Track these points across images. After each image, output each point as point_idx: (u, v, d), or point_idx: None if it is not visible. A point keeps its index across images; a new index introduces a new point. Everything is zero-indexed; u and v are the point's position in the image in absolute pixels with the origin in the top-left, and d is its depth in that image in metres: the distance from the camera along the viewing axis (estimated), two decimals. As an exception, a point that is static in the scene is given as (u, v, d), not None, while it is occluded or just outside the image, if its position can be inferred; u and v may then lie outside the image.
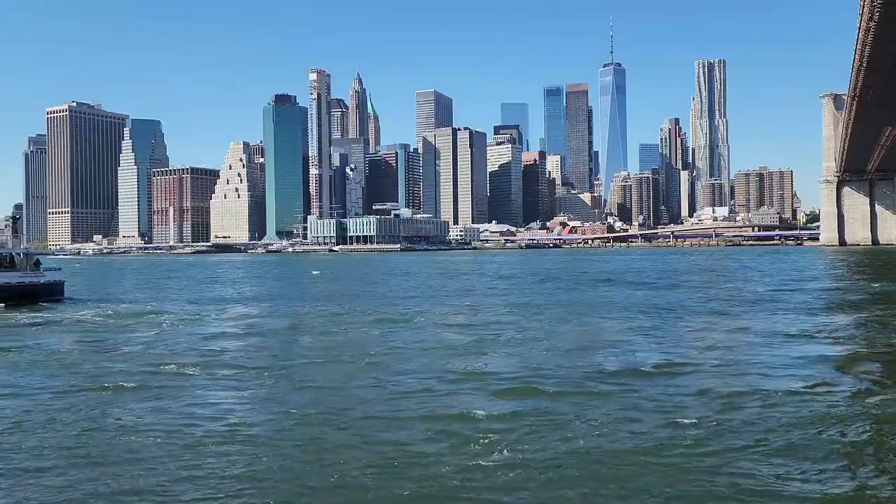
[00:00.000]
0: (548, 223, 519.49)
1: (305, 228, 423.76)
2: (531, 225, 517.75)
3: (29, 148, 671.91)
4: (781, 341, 27.40)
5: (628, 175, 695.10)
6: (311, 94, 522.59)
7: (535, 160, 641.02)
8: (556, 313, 38.75)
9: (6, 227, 50.93)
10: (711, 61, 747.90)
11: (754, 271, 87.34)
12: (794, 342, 27.31)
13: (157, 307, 46.44)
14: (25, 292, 47.19)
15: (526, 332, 30.72)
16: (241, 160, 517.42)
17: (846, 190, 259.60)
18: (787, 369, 21.40)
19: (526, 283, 68.30)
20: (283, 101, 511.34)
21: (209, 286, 74.94)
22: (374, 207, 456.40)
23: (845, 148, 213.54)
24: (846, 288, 57.23)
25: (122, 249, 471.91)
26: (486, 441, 14.19)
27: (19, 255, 51.91)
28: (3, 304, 45.27)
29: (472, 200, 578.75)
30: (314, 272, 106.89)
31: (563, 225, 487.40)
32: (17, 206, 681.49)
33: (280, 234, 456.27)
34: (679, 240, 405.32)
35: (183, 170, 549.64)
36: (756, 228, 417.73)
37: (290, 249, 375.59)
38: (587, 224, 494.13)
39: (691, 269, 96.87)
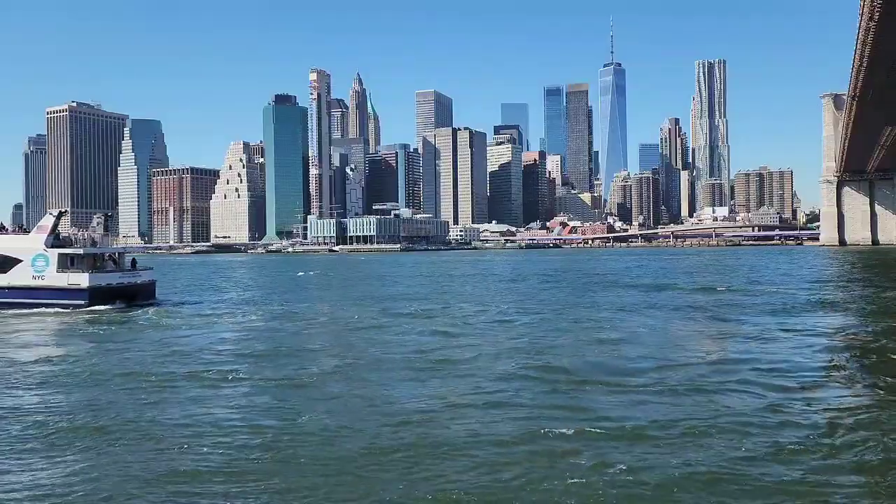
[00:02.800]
0: (548, 223, 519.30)
1: (305, 228, 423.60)
2: (531, 225, 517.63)
3: (29, 148, 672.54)
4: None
5: (628, 175, 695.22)
6: (311, 94, 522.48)
7: (535, 160, 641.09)
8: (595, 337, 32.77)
9: (98, 224, 48.66)
10: (711, 61, 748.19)
11: (775, 271, 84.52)
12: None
13: (245, 310, 45.23)
14: (128, 292, 46.35)
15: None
16: (241, 160, 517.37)
17: (846, 190, 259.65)
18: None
19: (540, 288, 65.68)
20: (283, 101, 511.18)
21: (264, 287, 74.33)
22: (374, 207, 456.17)
23: (845, 148, 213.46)
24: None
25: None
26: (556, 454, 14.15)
27: (120, 254, 51.37)
28: (116, 304, 44.37)
29: (472, 200, 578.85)
30: (299, 273, 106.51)
31: (563, 225, 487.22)
32: (17, 206, 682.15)
33: (280, 234, 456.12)
34: (679, 240, 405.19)
35: (183, 170, 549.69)
36: (756, 228, 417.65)
37: (289, 249, 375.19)
38: (587, 224, 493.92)
39: (708, 269, 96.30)
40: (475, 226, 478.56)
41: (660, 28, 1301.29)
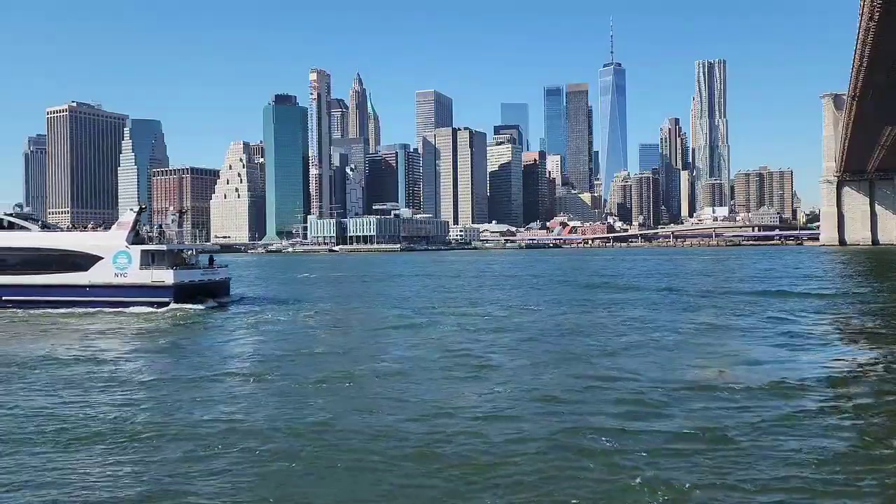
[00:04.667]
0: (548, 223, 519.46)
1: (305, 228, 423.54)
2: (531, 225, 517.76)
3: (29, 148, 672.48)
4: None
5: (628, 175, 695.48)
6: (311, 94, 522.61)
7: (535, 160, 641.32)
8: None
9: (173, 221, 47.35)
10: (711, 61, 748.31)
11: (787, 275, 78.24)
12: None
13: (320, 306, 44.95)
14: (208, 289, 45.84)
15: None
16: (241, 160, 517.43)
17: (846, 190, 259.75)
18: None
19: (553, 290, 61.60)
20: (283, 101, 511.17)
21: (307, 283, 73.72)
22: (374, 207, 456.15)
23: (845, 148, 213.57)
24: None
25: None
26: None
27: (198, 251, 50.98)
28: (197, 301, 43.79)
29: (472, 200, 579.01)
30: (303, 274, 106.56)
31: (563, 225, 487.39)
32: (17, 206, 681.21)
33: (280, 234, 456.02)
34: (679, 240, 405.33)
35: (183, 170, 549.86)
36: (756, 228, 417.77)
37: (290, 249, 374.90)
38: (587, 224, 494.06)
39: (724, 271, 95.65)
40: (475, 226, 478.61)
41: (660, 28, 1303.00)
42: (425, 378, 20.96)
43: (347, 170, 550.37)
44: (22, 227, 46.51)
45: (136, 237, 44.52)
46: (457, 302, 48.66)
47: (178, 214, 50.49)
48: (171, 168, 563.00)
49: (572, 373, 21.50)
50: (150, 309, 41.51)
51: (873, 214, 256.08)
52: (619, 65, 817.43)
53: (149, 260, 43.61)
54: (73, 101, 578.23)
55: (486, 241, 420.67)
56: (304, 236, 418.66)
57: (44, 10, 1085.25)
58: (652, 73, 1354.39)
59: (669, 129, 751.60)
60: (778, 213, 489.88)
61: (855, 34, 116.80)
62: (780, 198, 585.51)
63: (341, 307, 46.08)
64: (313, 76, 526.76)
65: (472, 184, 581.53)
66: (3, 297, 44.10)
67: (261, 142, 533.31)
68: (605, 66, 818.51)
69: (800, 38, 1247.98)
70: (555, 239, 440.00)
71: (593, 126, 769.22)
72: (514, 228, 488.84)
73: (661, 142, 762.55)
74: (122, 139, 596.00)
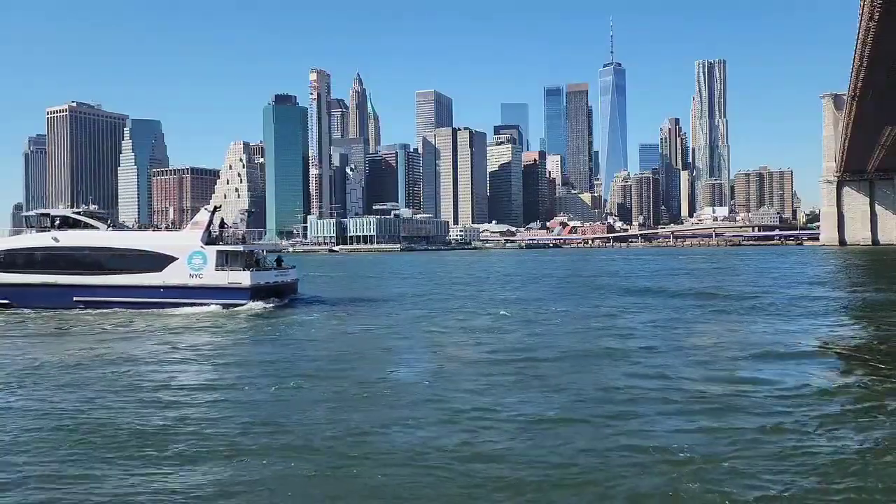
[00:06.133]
0: (548, 223, 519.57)
1: (305, 228, 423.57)
2: (531, 225, 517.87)
3: (29, 148, 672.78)
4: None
5: (628, 175, 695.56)
6: (311, 94, 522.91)
7: (535, 160, 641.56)
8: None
9: (241, 221, 45.93)
10: (711, 61, 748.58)
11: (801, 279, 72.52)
12: None
13: (391, 309, 43.59)
14: (280, 290, 45.24)
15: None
16: (241, 160, 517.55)
17: (846, 190, 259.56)
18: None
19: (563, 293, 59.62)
20: (283, 101, 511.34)
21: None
22: (374, 207, 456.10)
23: (845, 148, 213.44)
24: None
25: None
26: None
27: (266, 251, 50.04)
28: (271, 302, 43.08)
29: (472, 200, 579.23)
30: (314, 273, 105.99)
31: (564, 225, 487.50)
32: (17, 206, 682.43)
33: (280, 233, 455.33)
34: (679, 240, 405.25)
35: (183, 170, 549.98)
36: (756, 228, 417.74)
37: (290, 249, 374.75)
38: (587, 224, 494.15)
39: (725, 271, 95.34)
40: (475, 226, 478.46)
41: (660, 28, 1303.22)
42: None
43: (347, 170, 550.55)
44: (90, 226, 45.17)
45: (209, 237, 43.51)
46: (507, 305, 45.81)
47: (245, 213, 49.39)
48: (171, 168, 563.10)
49: (625, 371, 21.29)
50: (225, 310, 40.42)
51: (873, 214, 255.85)
52: (619, 65, 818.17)
53: (223, 261, 42.60)
54: (73, 101, 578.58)
55: (486, 241, 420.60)
56: (304, 236, 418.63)
57: (44, 10, 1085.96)
58: (652, 73, 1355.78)
59: (669, 129, 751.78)
60: (778, 213, 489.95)
61: (855, 34, 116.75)
62: (780, 198, 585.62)
63: (419, 308, 44.21)
64: (313, 76, 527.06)
65: (472, 184, 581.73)
66: (74, 298, 42.56)
67: (261, 142, 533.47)
68: (605, 66, 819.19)
69: (800, 38, 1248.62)
70: (555, 239, 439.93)
71: (593, 126, 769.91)
72: (514, 228, 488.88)
73: (661, 142, 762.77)
74: (122, 139, 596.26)
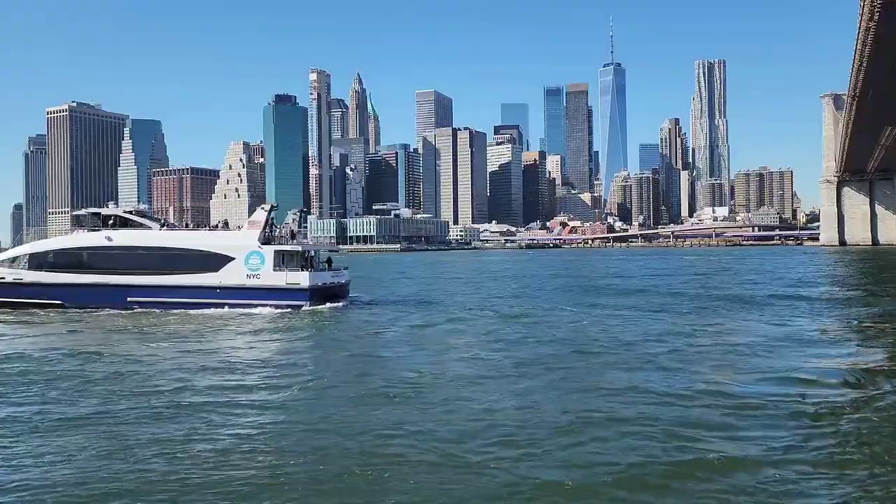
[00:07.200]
0: (548, 223, 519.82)
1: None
2: (531, 225, 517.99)
3: (29, 148, 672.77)
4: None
5: (628, 175, 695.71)
6: (311, 94, 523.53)
7: (535, 160, 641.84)
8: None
9: (293, 221, 44.70)
10: (711, 61, 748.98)
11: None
12: None
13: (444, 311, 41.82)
14: (335, 291, 44.26)
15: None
16: (241, 160, 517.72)
17: (846, 190, 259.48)
18: None
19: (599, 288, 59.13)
20: (283, 101, 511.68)
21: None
22: (374, 207, 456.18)
23: (845, 148, 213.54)
24: None
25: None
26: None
27: (318, 252, 48.57)
28: (327, 303, 42.01)
29: (472, 200, 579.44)
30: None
31: (564, 225, 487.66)
32: (17, 206, 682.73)
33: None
34: (679, 240, 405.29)
35: (183, 170, 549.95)
36: (756, 228, 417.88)
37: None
38: (587, 224, 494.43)
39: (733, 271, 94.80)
40: (475, 226, 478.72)
41: (660, 28, 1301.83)
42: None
43: (347, 170, 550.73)
44: (143, 226, 44.16)
45: (266, 237, 42.41)
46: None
47: (298, 213, 48.45)
48: (171, 168, 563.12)
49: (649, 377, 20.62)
50: (284, 312, 39.32)
51: (873, 214, 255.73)
52: (619, 65, 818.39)
53: (280, 261, 41.50)
54: (73, 101, 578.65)
55: (486, 241, 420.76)
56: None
57: (44, 10, 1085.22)
58: (652, 73, 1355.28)
59: (669, 129, 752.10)
60: (778, 213, 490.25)
61: (855, 34, 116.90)
62: (780, 198, 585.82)
63: (480, 309, 42.54)
64: (313, 76, 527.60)
65: (472, 184, 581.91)
66: (129, 298, 41.29)
67: (261, 142, 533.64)
68: (605, 66, 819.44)
69: (800, 39, 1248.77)
70: (555, 239, 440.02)
71: (593, 126, 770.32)
72: (514, 228, 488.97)
73: (661, 142, 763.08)
74: (122, 139, 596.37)
